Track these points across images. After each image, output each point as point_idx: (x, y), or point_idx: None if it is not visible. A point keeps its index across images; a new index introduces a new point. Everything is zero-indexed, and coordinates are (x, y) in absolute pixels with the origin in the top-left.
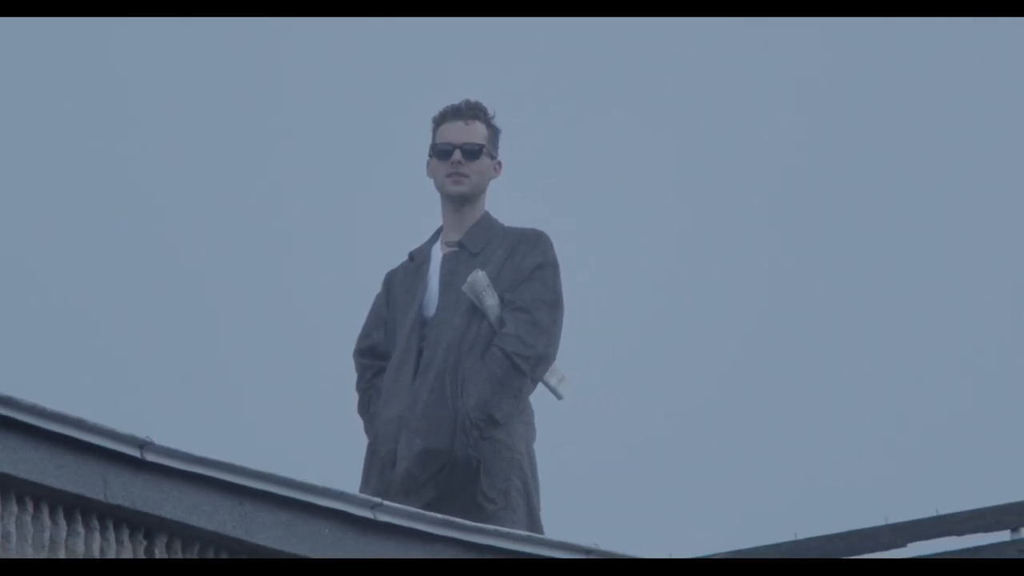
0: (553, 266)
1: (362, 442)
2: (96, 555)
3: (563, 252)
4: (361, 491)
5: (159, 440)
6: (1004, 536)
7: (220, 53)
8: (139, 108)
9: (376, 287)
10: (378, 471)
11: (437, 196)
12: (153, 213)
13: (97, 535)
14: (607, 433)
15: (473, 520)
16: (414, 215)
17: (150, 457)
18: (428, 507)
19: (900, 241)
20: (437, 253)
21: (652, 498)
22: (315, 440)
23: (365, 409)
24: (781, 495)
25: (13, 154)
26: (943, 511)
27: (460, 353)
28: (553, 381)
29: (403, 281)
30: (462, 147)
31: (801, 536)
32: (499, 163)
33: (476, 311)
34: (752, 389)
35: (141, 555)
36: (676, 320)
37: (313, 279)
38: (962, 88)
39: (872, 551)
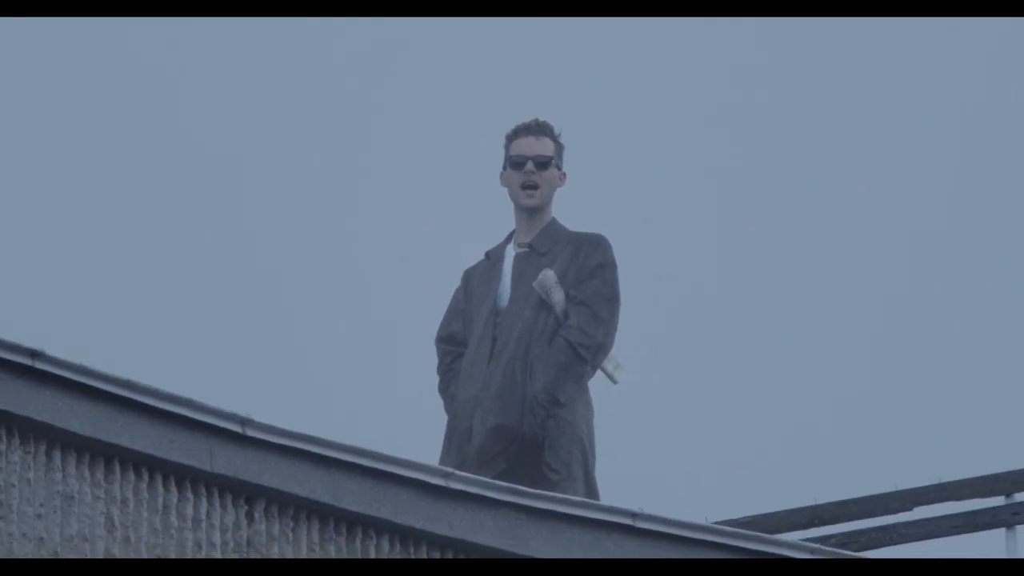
0: (612, 265)
1: (434, 421)
2: (203, 518)
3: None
4: (442, 462)
5: (258, 418)
6: (999, 501)
7: (315, 53)
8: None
9: (450, 282)
10: (457, 445)
11: (508, 203)
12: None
13: (204, 500)
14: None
15: (540, 489)
16: (483, 217)
17: (251, 432)
18: (500, 477)
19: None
20: (510, 253)
21: (677, 463)
22: (394, 418)
23: (445, 389)
24: (799, 463)
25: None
26: (945, 479)
27: (530, 341)
28: (610, 368)
29: (480, 276)
30: (534, 159)
31: (821, 501)
32: (564, 174)
33: (544, 304)
34: (757, 359)
35: (242, 518)
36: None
37: (390, 277)
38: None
39: (882, 515)
